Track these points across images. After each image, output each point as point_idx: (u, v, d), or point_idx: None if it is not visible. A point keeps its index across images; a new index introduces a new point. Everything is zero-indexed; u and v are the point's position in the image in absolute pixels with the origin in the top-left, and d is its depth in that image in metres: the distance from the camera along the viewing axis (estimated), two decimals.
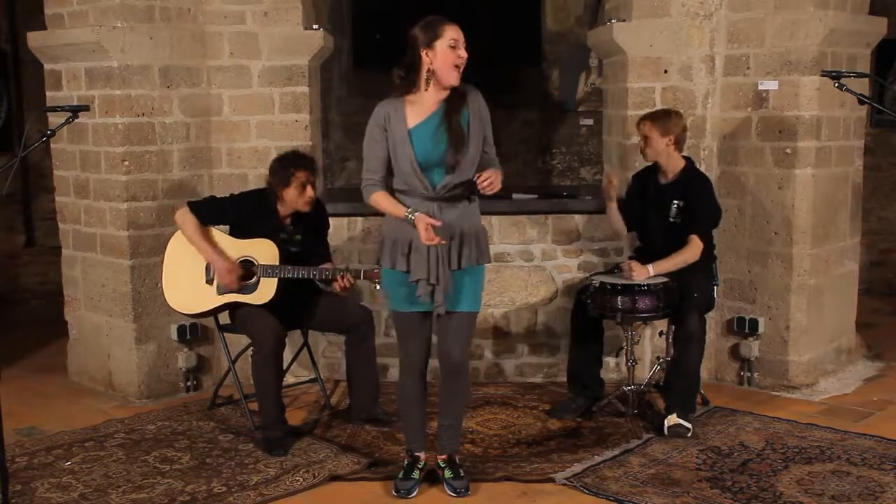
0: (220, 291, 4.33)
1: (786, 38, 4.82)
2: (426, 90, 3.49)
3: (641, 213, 4.64)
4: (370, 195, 3.59)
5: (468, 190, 3.54)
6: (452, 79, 3.48)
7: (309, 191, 4.30)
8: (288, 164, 4.29)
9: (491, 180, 3.45)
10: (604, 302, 4.40)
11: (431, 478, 3.83)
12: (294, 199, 4.30)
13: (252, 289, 4.29)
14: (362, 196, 3.62)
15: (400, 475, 3.79)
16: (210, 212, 4.38)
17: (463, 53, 3.49)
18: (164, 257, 4.48)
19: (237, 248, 4.34)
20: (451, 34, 3.46)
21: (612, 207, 4.71)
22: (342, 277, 4.24)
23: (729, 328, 5.16)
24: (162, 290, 4.48)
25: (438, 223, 3.44)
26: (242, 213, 4.38)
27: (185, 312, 4.45)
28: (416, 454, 3.82)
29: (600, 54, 5.79)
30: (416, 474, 3.78)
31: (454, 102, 3.50)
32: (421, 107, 3.51)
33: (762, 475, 3.84)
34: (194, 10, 4.97)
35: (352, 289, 5.10)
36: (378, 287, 4.15)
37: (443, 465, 3.78)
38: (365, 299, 5.18)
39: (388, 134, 3.52)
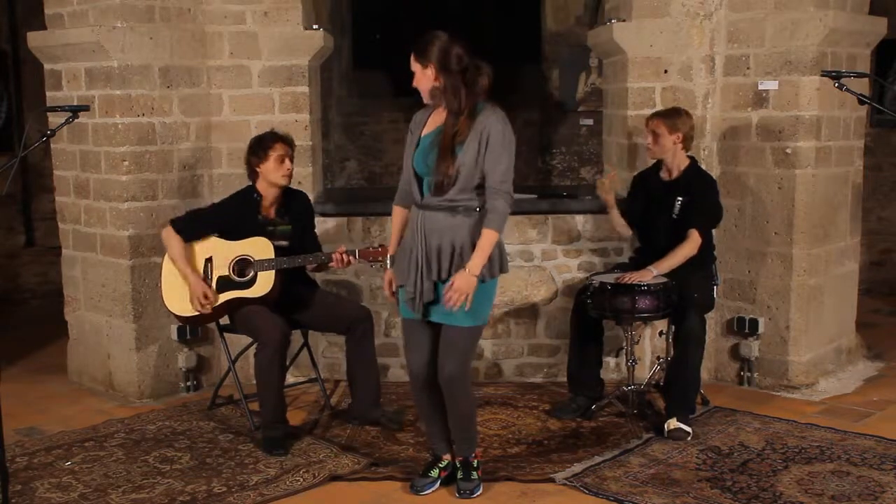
0: (220, 290, 4.33)
1: (786, 38, 4.82)
2: (441, 104, 3.52)
3: (644, 212, 4.65)
4: (393, 206, 3.77)
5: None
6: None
7: (287, 164, 4.35)
8: (265, 139, 4.38)
9: (451, 298, 3.42)
10: (603, 302, 4.40)
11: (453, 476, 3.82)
12: (272, 172, 4.33)
13: (250, 284, 4.30)
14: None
15: (420, 472, 3.81)
16: (193, 227, 4.40)
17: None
18: (162, 262, 4.48)
19: (232, 248, 4.35)
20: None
21: (614, 213, 4.71)
22: (340, 253, 4.24)
23: (729, 328, 5.16)
24: (162, 298, 4.48)
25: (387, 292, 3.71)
26: (227, 219, 4.41)
27: (186, 315, 4.43)
28: (438, 454, 3.82)
29: (600, 54, 5.79)
30: (434, 472, 3.78)
31: (451, 122, 3.45)
32: (439, 117, 3.55)
33: (762, 475, 3.84)
34: (194, 10, 4.97)
35: (352, 288, 5.12)
36: (372, 266, 4.20)
37: (458, 466, 3.78)
38: (365, 299, 5.17)
39: (411, 138, 3.63)
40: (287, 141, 4.40)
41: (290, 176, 4.38)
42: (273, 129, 4.52)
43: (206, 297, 4.29)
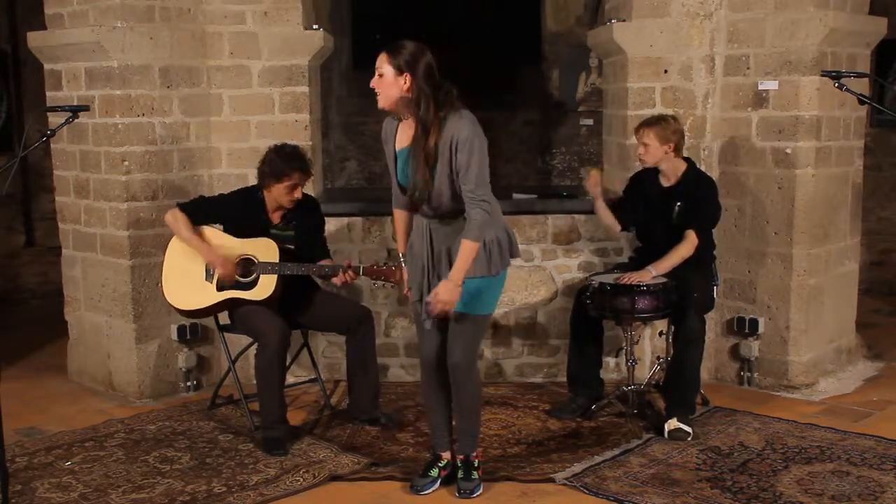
0: (220, 288, 4.33)
1: (786, 38, 4.82)
2: (408, 115, 3.48)
3: (643, 216, 4.64)
4: (393, 209, 3.76)
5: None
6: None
7: (297, 192, 4.33)
8: (286, 162, 4.29)
9: (433, 307, 3.45)
10: (603, 302, 4.40)
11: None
12: (280, 195, 4.32)
13: (251, 285, 4.29)
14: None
15: (420, 471, 3.82)
16: (200, 211, 4.40)
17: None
18: (164, 256, 4.48)
19: (236, 246, 4.34)
20: None
21: (600, 206, 4.71)
22: (343, 272, 4.25)
23: (729, 328, 5.16)
24: (161, 289, 4.48)
25: (406, 291, 3.77)
26: (232, 210, 4.41)
27: (185, 309, 4.42)
28: (438, 452, 3.83)
29: (600, 54, 5.79)
30: (434, 472, 3.78)
31: (422, 142, 3.40)
32: (409, 129, 3.50)
33: (762, 475, 3.84)
34: (194, 10, 4.97)
35: (351, 289, 5.12)
36: (374, 285, 4.20)
37: (458, 465, 3.78)
38: (365, 299, 5.17)
39: (387, 150, 3.62)
40: (306, 171, 4.33)
41: (294, 201, 4.35)
42: (297, 149, 4.38)
43: (225, 264, 4.28)
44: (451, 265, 3.51)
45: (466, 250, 3.43)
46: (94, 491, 3.79)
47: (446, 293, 3.44)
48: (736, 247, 5.10)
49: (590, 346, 4.64)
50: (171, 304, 4.46)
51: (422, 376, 3.82)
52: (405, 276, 3.76)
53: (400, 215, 3.74)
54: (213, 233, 4.41)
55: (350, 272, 4.25)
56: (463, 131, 3.36)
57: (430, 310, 3.48)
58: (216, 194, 4.70)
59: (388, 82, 3.40)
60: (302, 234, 4.45)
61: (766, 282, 5.02)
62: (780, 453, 4.08)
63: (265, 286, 4.27)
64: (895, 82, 7.04)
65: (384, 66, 3.40)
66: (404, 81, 3.38)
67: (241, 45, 5.05)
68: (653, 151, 4.44)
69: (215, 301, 4.34)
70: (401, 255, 3.78)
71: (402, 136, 3.54)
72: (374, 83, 3.44)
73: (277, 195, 4.33)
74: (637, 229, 4.77)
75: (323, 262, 4.39)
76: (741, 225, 5.07)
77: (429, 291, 3.54)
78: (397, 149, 3.57)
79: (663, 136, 4.41)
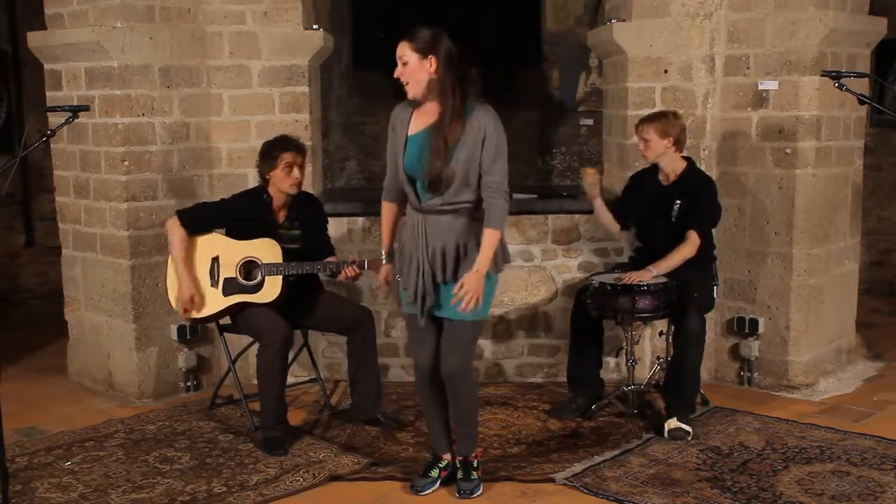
0: (226, 293, 4.32)
1: (786, 38, 4.82)
2: (431, 100, 3.47)
3: (643, 215, 4.64)
4: (382, 201, 3.76)
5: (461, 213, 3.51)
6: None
7: (295, 172, 4.32)
8: (275, 147, 4.34)
9: (462, 298, 3.39)
10: (604, 302, 4.40)
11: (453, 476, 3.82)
12: (281, 180, 4.31)
13: (257, 288, 4.29)
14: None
15: (420, 471, 3.81)
16: (199, 219, 4.38)
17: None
18: (166, 261, 4.47)
19: (240, 249, 4.33)
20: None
21: (599, 205, 4.70)
22: (348, 267, 4.25)
23: (729, 328, 5.16)
24: (167, 296, 4.46)
25: (383, 280, 3.81)
26: (235, 215, 4.39)
27: (193, 316, 4.41)
28: (438, 454, 3.83)
29: (600, 54, 5.79)
30: (434, 472, 3.78)
31: (446, 121, 3.40)
32: (425, 116, 3.49)
33: (762, 475, 3.84)
34: (194, 10, 4.98)
35: (352, 289, 5.13)
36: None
37: (458, 466, 3.78)
38: (365, 299, 5.17)
39: (395, 136, 3.57)
40: (297, 149, 4.34)
41: (298, 185, 4.35)
42: (285, 135, 4.46)
43: (192, 301, 4.30)
44: (445, 264, 3.49)
45: (491, 239, 3.45)
46: (94, 491, 3.79)
47: (474, 282, 3.41)
48: (736, 247, 5.10)
49: (590, 347, 4.64)
50: (176, 311, 4.45)
51: (417, 384, 3.79)
52: (385, 274, 3.77)
53: (389, 208, 3.74)
54: (215, 236, 4.40)
55: (354, 266, 4.25)
56: (491, 124, 3.42)
57: (463, 307, 3.41)
58: (219, 199, 4.66)
59: (415, 67, 3.41)
60: (307, 230, 4.45)
61: (766, 282, 5.02)
62: (780, 453, 4.08)
63: (271, 288, 4.27)
64: (895, 82, 7.04)
65: (407, 53, 3.41)
66: (430, 64, 3.40)
67: (241, 45, 5.05)
68: (653, 146, 4.44)
69: (223, 307, 4.33)
70: (383, 251, 3.78)
71: (418, 121, 3.52)
72: (398, 73, 3.45)
73: (279, 183, 4.31)
74: (637, 229, 4.77)
75: (327, 260, 4.39)
76: (741, 225, 5.07)
77: (424, 292, 3.52)
78: (410, 133, 3.53)
79: (663, 131, 4.41)
